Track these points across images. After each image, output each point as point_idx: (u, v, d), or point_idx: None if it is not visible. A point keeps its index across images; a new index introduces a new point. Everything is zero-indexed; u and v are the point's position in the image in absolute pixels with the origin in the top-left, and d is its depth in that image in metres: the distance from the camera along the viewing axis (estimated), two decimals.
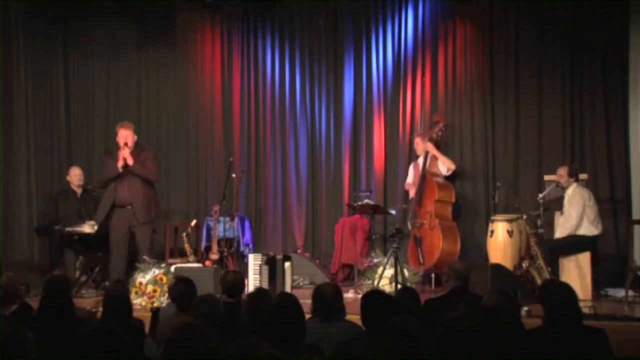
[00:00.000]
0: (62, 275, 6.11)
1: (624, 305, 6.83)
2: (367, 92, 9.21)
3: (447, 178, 8.41)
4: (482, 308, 3.74)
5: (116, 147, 7.51)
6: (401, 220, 8.60)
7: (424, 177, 8.28)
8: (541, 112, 8.56)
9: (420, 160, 8.46)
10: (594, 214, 7.22)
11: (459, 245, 8.11)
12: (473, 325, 2.85)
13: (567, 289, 3.85)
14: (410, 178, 8.59)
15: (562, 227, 7.24)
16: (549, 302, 3.81)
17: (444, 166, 8.36)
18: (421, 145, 8.45)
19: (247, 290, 5.89)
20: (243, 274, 5.67)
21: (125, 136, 7.42)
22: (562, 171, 7.35)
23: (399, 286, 6.42)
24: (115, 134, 7.58)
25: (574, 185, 7.29)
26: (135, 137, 7.54)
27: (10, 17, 8.43)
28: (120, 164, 7.34)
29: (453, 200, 8.29)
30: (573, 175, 7.30)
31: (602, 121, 8.34)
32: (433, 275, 8.05)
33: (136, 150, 7.49)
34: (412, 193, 8.37)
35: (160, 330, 4.39)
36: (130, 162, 7.34)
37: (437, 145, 8.47)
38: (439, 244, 7.93)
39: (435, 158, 8.37)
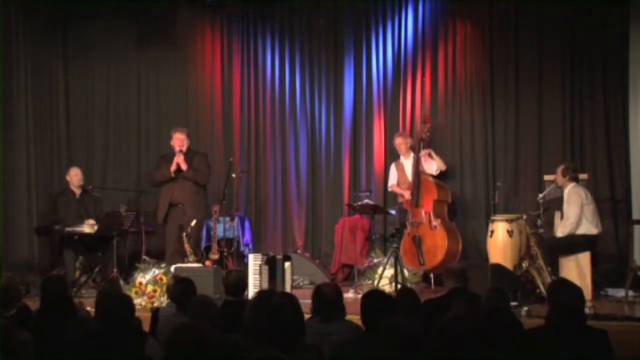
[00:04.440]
0: (58, 275, 6.10)
1: (624, 305, 6.83)
2: (367, 92, 9.20)
3: (439, 178, 8.41)
4: (479, 307, 3.74)
5: (171, 150, 8.11)
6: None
7: (419, 177, 8.25)
8: (541, 112, 8.56)
9: (410, 161, 8.41)
10: (591, 212, 7.21)
11: (461, 245, 8.12)
12: (472, 325, 2.85)
13: (578, 291, 3.81)
14: (393, 179, 8.54)
15: (563, 226, 7.25)
16: (556, 302, 3.77)
17: (437, 166, 8.35)
18: (404, 145, 8.42)
19: (248, 290, 5.89)
20: (246, 273, 5.68)
21: (181, 140, 8.06)
22: (558, 170, 7.40)
23: (399, 286, 6.42)
24: (170, 138, 8.17)
25: (571, 185, 7.29)
26: (188, 141, 8.10)
27: (10, 17, 8.43)
28: (172, 168, 7.97)
29: (450, 200, 8.30)
30: (567, 175, 7.29)
31: (602, 121, 8.34)
32: (432, 275, 8.04)
33: (189, 154, 8.08)
34: (406, 204, 8.27)
35: (160, 330, 4.39)
36: (183, 167, 7.95)
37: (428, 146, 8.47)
38: (443, 243, 7.92)
39: (430, 157, 8.37)
